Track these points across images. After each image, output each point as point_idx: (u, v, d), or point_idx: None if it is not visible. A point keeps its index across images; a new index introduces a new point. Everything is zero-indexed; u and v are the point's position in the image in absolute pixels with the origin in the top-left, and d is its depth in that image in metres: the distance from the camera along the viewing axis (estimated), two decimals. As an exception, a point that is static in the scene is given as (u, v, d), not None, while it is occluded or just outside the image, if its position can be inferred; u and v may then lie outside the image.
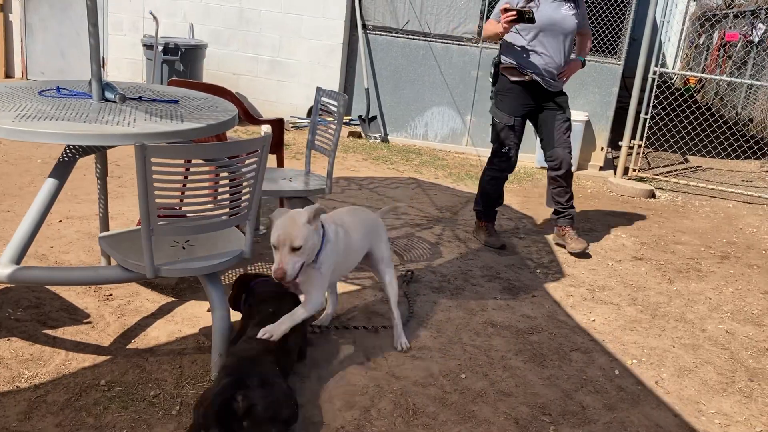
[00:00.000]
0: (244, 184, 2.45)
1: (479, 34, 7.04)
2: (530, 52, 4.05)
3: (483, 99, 7.20)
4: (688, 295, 3.91)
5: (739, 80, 9.09)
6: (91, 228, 3.87)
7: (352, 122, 7.39)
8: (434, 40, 7.17)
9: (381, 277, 2.94)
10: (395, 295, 2.93)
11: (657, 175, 6.94)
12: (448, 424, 2.45)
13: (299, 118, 7.36)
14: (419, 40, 7.19)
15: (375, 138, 7.28)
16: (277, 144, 4.23)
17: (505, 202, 5.35)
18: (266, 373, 2.19)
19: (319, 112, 3.80)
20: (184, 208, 2.49)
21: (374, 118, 7.39)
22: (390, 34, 7.23)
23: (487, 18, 6.92)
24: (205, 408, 2.07)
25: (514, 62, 4.11)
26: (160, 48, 6.70)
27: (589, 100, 6.98)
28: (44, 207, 2.51)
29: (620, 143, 6.77)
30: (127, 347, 2.71)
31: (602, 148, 7.04)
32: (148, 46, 6.81)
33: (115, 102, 2.83)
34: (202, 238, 2.63)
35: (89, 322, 2.86)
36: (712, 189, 6.56)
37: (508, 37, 4.09)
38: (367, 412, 2.47)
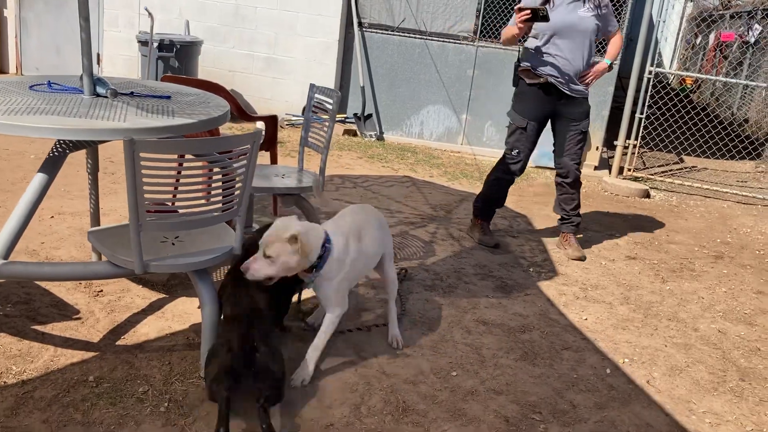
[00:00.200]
0: (235, 180, 2.44)
1: (475, 32, 7.03)
2: (545, 55, 4.02)
3: (479, 98, 7.20)
4: (681, 295, 3.91)
5: (734, 80, 9.11)
6: (83, 224, 3.85)
7: (347, 120, 7.38)
8: (430, 38, 7.16)
9: (386, 274, 2.91)
10: (395, 292, 2.95)
11: (652, 175, 6.95)
12: (437, 422, 2.44)
13: (294, 116, 7.35)
14: (415, 38, 7.18)
15: (370, 136, 7.26)
16: (270, 141, 4.22)
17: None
18: (265, 330, 2.41)
19: (315, 110, 3.78)
20: (176, 203, 2.47)
21: (370, 116, 7.38)
22: (386, 32, 7.22)
23: (485, 16, 7.00)
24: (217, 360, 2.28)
25: (529, 65, 4.10)
26: (155, 44, 6.67)
27: (584, 100, 6.97)
28: (33, 202, 2.49)
29: (615, 143, 6.77)
30: (117, 343, 2.70)
31: (597, 148, 7.04)
32: (143, 43, 6.79)
33: (106, 97, 2.81)
34: (192, 234, 2.61)
35: (79, 318, 2.85)
36: (707, 189, 6.57)
37: (527, 41, 4.11)
38: (356, 409, 2.46)
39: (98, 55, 7.83)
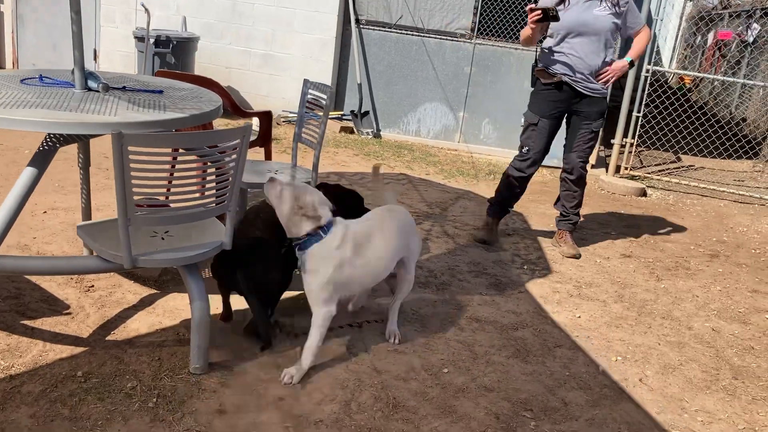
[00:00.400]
0: (224, 174, 2.42)
1: (473, 29, 7.02)
2: (559, 54, 4.01)
3: (476, 95, 7.18)
4: (676, 293, 3.90)
5: (731, 79, 9.09)
6: (76, 219, 3.83)
7: (344, 117, 7.36)
8: (428, 35, 7.14)
9: (404, 272, 2.88)
10: (407, 292, 2.95)
11: (649, 173, 6.94)
12: (427, 419, 2.43)
13: (291, 112, 7.32)
14: (413, 35, 7.16)
15: (367, 133, 7.25)
16: (265, 137, 4.20)
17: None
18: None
19: (311, 106, 3.76)
20: (163, 198, 2.46)
21: (366, 113, 7.37)
22: (383, 29, 7.21)
23: (482, 14, 6.98)
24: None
25: (543, 64, 4.09)
26: (152, 40, 6.65)
27: (582, 98, 6.95)
28: (22, 196, 2.47)
29: (612, 141, 6.76)
30: (106, 339, 2.69)
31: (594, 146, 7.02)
32: (140, 39, 6.77)
33: (98, 91, 2.80)
34: (181, 229, 2.60)
35: (69, 313, 2.84)
36: (704, 188, 6.56)
37: (545, 41, 4.11)
38: (346, 405, 2.45)
39: (95, 51, 7.82)
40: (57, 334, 2.67)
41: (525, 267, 4.01)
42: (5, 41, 8.15)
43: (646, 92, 6.51)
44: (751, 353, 3.26)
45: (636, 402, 2.72)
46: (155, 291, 3.13)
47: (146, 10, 6.60)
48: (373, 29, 7.22)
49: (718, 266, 4.45)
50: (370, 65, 7.30)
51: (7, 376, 2.37)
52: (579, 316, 3.43)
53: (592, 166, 6.97)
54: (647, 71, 6.48)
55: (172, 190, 2.39)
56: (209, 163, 2.61)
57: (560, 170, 4.35)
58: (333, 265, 2.49)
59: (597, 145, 7.03)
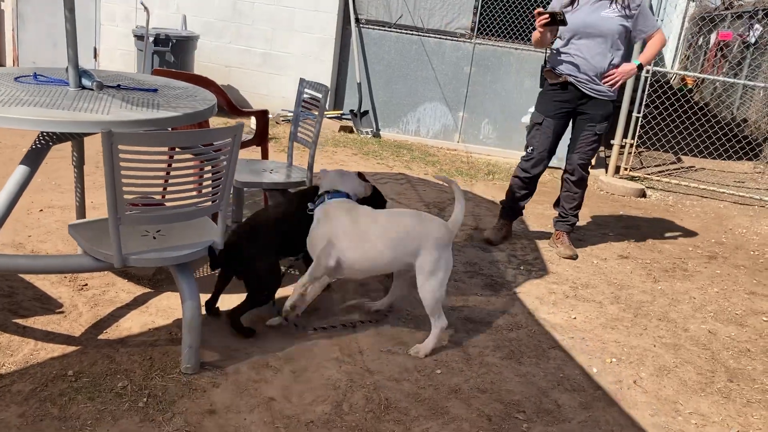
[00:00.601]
0: (216, 173, 2.42)
1: (472, 29, 7.00)
2: (565, 55, 4.01)
3: (475, 95, 7.17)
4: (673, 295, 3.88)
5: (732, 80, 9.06)
6: (72, 218, 3.82)
7: (343, 116, 7.35)
8: (427, 35, 7.13)
9: (418, 287, 2.84)
10: (430, 310, 2.84)
11: (649, 174, 6.91)
12: (419, 420, 2.42)
13: (290, 111, 7.30)
14: (412, 34, 7.15)
15: (366, 133, 7.24)
16: (261, 136, 4.19)
17: (491, 198, 5.36)
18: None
19: (309, 106, 3.75)
20: (155, 197, 2.45)
21: (366, 112, 7.36)
22: (383, 29, 7.20)
23: (482, 13, 6.97)
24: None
25: (551, 65, 4.10)
26: (151, 39, 6.65)
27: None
28: (13, 194, 2.48)
29: (612, 142, 6.74)
30: (98, 338, 2.68)
31: (594, 147, 7.00)
32: (140, 37, 6.76)
33: (92, 89, 2.79)
34: (173, 228, 2.59)
35: (61, 312, 2.83)
36: (704, 189, 6.53)
37: (554, 43, 4.11)
38: (338, 406, 2.44)
39: (95, 49, 7.82)
40: (49, 333, 2.67)
41: (521, 268, 3.99)
42: (6, 39, 8.15)
43: (646, 93, 6.49)
44: (747, 356, 3.25)
45: (630, 404, 2.70)
46: (149, 290, 3.12)
47: (146, 8, 6.59)
48: (373, 29, 7.21)
49: (716, 268, 4.43)
50: (370, 65, 7.30)
51: (-3, 374, 2.37)
52: (574, 318, 3.42)
53: (592, 167, 6.96)
54: (647, 72, 6.46)
55: (166, 188, 2.39)
56: (202, 162, 2.59)
57: (560, 171, 4.34)
58: (327, 230, 2.76)
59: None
